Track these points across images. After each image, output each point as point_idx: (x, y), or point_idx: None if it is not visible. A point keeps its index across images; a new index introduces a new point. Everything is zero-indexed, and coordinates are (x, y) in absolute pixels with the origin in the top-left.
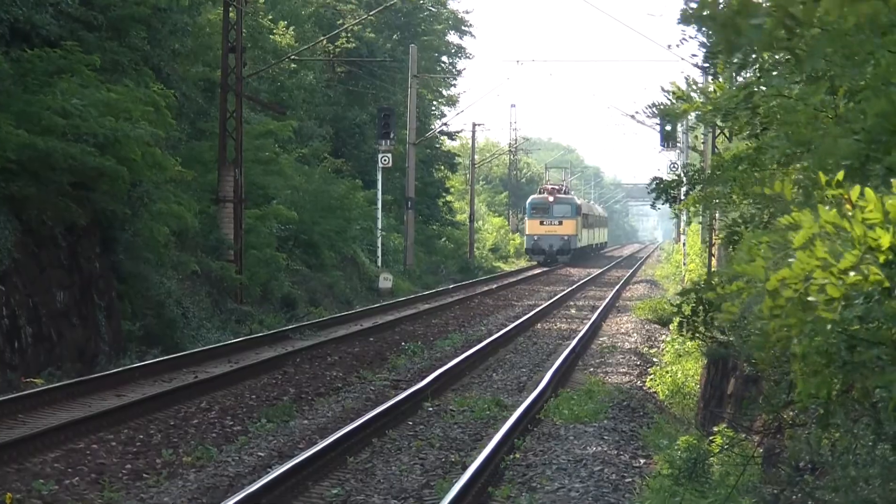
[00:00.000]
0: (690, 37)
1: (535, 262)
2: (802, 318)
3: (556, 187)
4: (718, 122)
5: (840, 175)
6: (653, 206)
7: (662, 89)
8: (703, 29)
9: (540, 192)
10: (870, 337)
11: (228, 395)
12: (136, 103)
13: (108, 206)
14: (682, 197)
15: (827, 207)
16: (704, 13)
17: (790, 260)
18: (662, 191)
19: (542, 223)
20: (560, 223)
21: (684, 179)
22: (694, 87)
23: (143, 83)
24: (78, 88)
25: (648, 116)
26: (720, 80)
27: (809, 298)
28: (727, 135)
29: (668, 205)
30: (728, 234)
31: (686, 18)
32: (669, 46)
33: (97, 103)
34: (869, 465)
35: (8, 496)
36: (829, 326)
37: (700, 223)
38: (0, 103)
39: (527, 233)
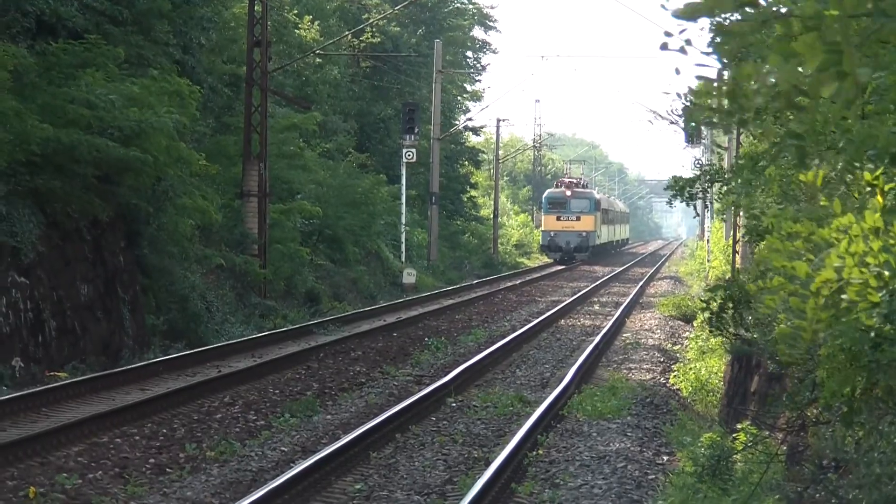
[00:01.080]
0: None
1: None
2: (836, 317)
3: (574, 181)
4: (739, 121)
5: (879, 171)
6: (669, 203)
7: (678, 95)
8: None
9: (557, 186)
10: (894, 336)
11: (252, 390)
12: (160, 95)
13: (132, 199)
14: (701, 195)
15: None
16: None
17: (831, 254)
18: (681, 189)
19: (558, 218)
20: (578, 219)
21: (701, 177)
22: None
23: (167, 77)
24: (102, 81)
25: (672, 121)
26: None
27: (843, 297)
28: (752, 133)
29: (685, 203)
30: (752, 229)
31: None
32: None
33: (121, 95)
34: (894, 463)
35: (31, 490)
36: (854, 323)
37: (724, 220)
38: (25, 96)
39: (542, 228)
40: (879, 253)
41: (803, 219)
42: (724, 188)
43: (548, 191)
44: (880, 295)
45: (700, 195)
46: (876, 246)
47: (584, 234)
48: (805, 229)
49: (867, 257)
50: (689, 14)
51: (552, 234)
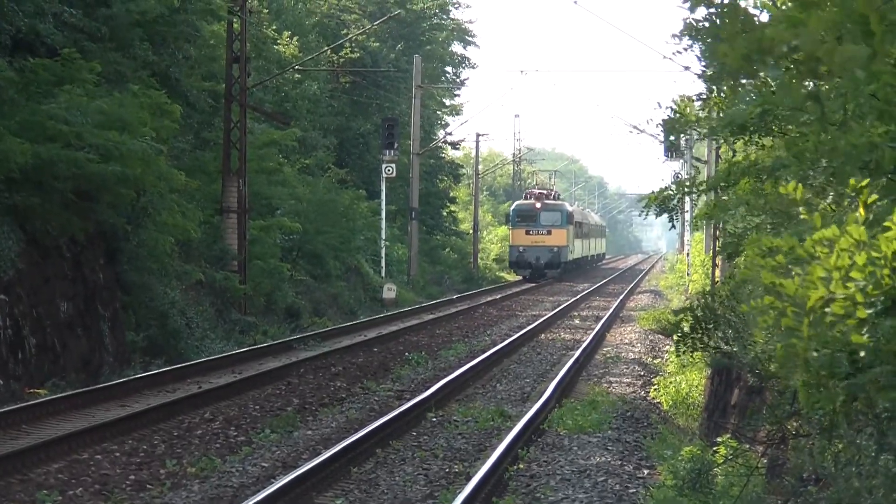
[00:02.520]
0: (685, 48)
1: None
2: (822, 333)
3: (545, 192)
4: (727, 136)
5: (864, 182)
6: (641, 214)
7: (659, 104)
8: (700, 43)
9: (526, 198)
10: (873, 356)
11: (232, 406)
12: (138, 110)
13: (112, 216)
14: (677, 207)
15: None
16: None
17: (818, 273)
18: (653, 201)
19: (528, 232)
20: (549, 233)
21: (674, 189)
22: (691, 104)
23: (146, 92)
24: (82, 98)
25: (655, 128)
26: (720, 94)
27: (827, 310)
28: (731, 146)
29: (658, 216)
30: (729, 244)
31: (702, 58)
32: (674, 55)
33: (95, 113)
34: (872, 476)
35: None
36: (840, 339)
37: (703, 233)
38: (3, 113)
39: (511, 243)
40: (865, 267)
41: (783, 233)
42: (701, 199)
43: (515, 203)
44: (868, 312)
45: (676, 208)
46: (861, 260)
47: (555, 249)
48: (786, 244)
49: (852, 271)
50: None
51: (521, 249)
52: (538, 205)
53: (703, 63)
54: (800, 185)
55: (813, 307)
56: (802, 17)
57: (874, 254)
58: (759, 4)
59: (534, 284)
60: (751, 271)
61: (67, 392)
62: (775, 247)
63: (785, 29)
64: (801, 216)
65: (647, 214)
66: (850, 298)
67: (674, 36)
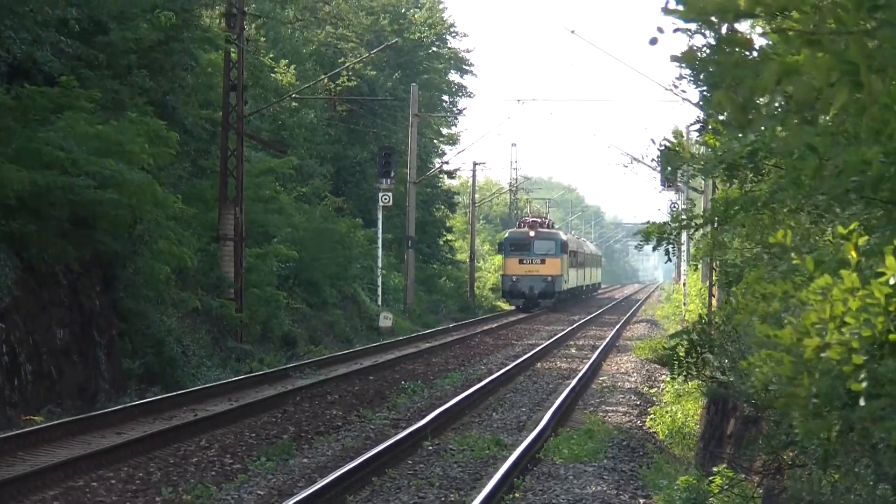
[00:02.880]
0: (683, 77)
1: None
2: (820, 381)
3: (538, 220)
4: (719, 175)
5: (853, 225)
6: (637, 248)
7: (652, 141)
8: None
9: (519, 226)
10: (871, 390)
11: (228, 434)
12: (135, 136)
13: (108, 244)
14: (674, 240)
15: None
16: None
17: (810, 314)
18: (650, 234)
19: (521, 262)
20: (542, 262)
21: (671, 224)
22: (683, 139)
23: (144, 119)
24: (82, 124)
25: (651, 161)
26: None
27: (823, 356)
28: (723, 183)
29: (654, 249)
30: (725, 275)
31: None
32: (673, 87)
33: (92, 138)
34: None
35: None
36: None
37: (697, 267)
38: (0, 139)
39: (504, 273)
40: (858, 313)
41: (777, 279)
42: (698, 233)
43: (508, 231)
44: (864, 359)
45: (672, 240)
46: (854, 305)
47: (549, 278)
48: (779, 289)
49: (846, 317)
50: (693, 13)
51: (514, 278)
52: (532, 233)
53: (700, 92)
54: (789, 231)
55: (810, 358)
56: (796, 63)
57: (868, 301)
58: (761, 33)
59: (529, 314)
60: (746, 314)
61: (63, 419)
62: (770, 293)
63: (777, 72)
64: (794, 262)
65: (642, 248)
66: (845, 344)
67: (673, 59)
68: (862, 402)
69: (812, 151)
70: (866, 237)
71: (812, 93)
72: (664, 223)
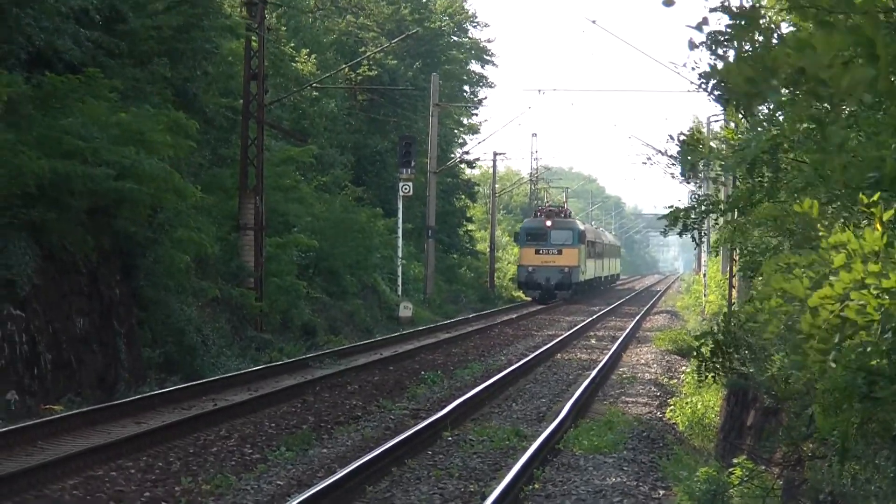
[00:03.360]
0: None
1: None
2: (838, 343)
3: (555, 210)
4: (741, 171)
5: (877, 196)
6: (663, 233)
7: (671, 137)
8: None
9: (535, 216)
10: (891, 373)
11: (248, 423)
12: (155, 125)
13: (128, 232)
14: (697, 225)
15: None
16: (721, 81)
17: (832, 278)
18: (675, 219)
19: (537, 252)
20: (559, 252)
21: (697, 207)
22: (702, 133)
23: (164, 107)
24: (103, 111)
25: (669, 164)
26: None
27: (842, 314)
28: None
29: (680, 235)
30: (747, 264)
31: (704, 78)
32: (697, 86)
33: (113, 127)
34: (890, 497)
35: None
36: (855, 356)
37: (719, 253)
38: (20, 128)
39: (519, 263)
40: (878, 276)
41: (801, 251)
42: (720, 220)
43: (525, 220)
44: (886, 336)
45: (696, 226)
46: (874, 269)
47: (566, 269)
48: (804, 260)
49: (867, 278)
50: None
51: (530, 269)
52: (549, 223)
53: (708, 82)
54: (815, 202)
55: (821, 305)
56: (810, 40)
57: (889, 268)
58: (783, 18)
59: (549, 305)
60: (767, 287)
61: (83, 408)
62: (793, 262)
63: (792, 51)
64: (820, 233)
65: (667, 233)
66: (863, 305)
67: (691, 46)
68: (885, 362)
69: (819, 126)
70: (892, 211)
71: (824, 69)
72: (689, 207)
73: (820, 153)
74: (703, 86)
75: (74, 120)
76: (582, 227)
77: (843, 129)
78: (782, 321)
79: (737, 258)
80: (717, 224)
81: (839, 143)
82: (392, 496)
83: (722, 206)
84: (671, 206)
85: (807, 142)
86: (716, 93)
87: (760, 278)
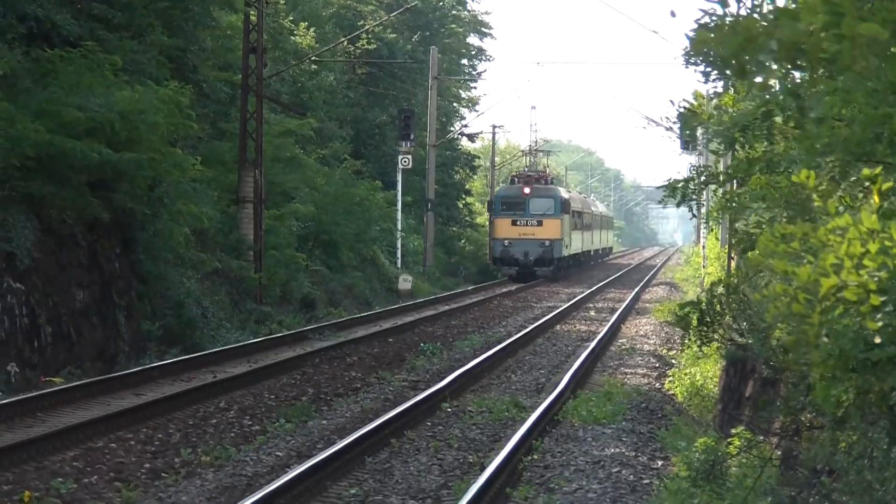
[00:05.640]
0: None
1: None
2: (836, 319)
3: (535, 175)
4: (736, 136)
5: (878, 170)
6: (661, 203)
7: (672, 102)
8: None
9: (512, 182)
10: (886, 338)
11: (247, 395)
12: (155, 103)
13: (127, 205)
14: (696, 196)
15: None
16: (708, 52)
17: (829, 255)
18: (674, 190)
19: (514, 223)
20: (539, 223)
21: (696, 179)
22: (703, 101)
23: (162, 81)
24: (99, 85)
25: (667, 128)
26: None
27: (840, 295)
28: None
29: (678, 205)
30: (742, 240)
31: (691, 52)
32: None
33: (113, 104)
34: (884, 469)
35: (26, 494)
36: (852, 326)
37: (719, 223)
38: (19, 103)
39: (493, 236)
40: (876, 256)
41: (798, 220)
42: (720, 191)
43: (500, 187)
44: (882, 299)
45: (695, 197)
46: (873, 248)
47: (546, 242)
48: (800, 230)
49: (864, 260)
50: None
51: (506, 243)
52: (527, 190)
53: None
54: (812, 172)
55: (826, 295)
56: (795, 11)
57: (887, 243)
58: None
59: (549, 277)
60: (763, 257)
61: (83, 380)
62: (789, 234)
63: (776, 23)
64: (815, 203)
65: (666, 203)
66: (862, 286)
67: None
68: (878, 340)
69: (793, 98)
70: (891, 182)
71: (801, 35)
72: (688, 178)
73: (801, 129)
74: (690, 57)
75: (75, 96)
76: (566, 194)
77: (829, 98)
78: (784, 304)
79: (734, 235)
80: (715, 195)
81: (819, 117)
82: (391, 467)
83: (721, 177)
84: (670, 179)
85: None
86: (700, 65)
87: (758, 247)
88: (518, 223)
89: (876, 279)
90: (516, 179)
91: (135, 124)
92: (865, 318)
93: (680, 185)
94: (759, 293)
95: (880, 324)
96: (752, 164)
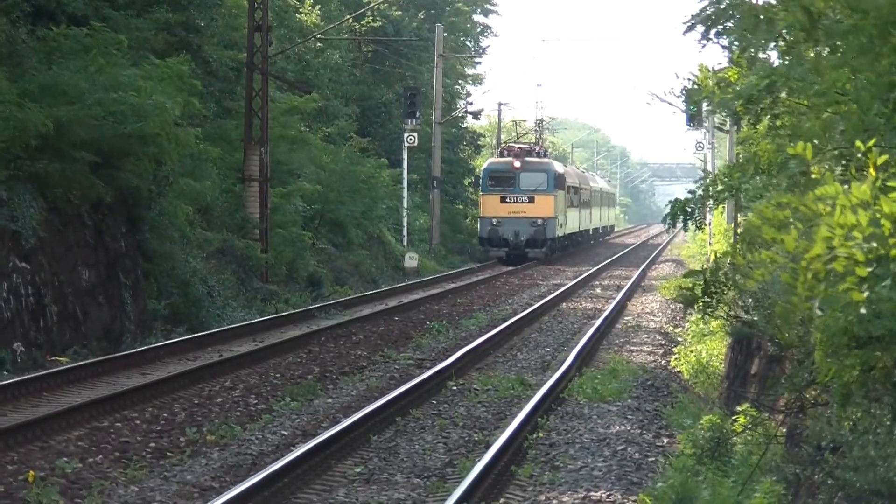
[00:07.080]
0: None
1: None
2: (825, 289)
3: (526, 147)
4: (739, 108)
5: (871, 142)
6: (663, 221)
7: (677, 75)
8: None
9: (501, 155)
10: (871, 312)
11: (253, 374)
12: (161, 81)
13: (133, 183)
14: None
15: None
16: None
17: (822, 227)
18: (679, 209)
19: (503, 200)
20: (531, 200)
21: (700, 193)
22: (708, 74)
23: (167, 64)
24: (106, 66)
25: (676, 96)
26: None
27: (830, 267)
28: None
29: (685, 228)
30: (747, 231)
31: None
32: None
33: (119, 86)
34: (887, 445)
35: (31, 474)
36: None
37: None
38: (26, 81)
39: (481, 214)
40: (867, 227)
41: (794, 189)
42: (720, 186)
43: (488, 161)
44: (868, 270)
45: (698, 213)
46: (864, 219)
47: (538, 221)
48: (795, 200)
49: (854, 231)
50: None
51: (494, 221)
52: (517, 164)
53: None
54: (808, 145)
55: (809, 263)
56: None
57: (878, 215)
58: None
59: (555, 255)
60: (758, 225)
61: (88, 360)
62: (785, 202)
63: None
64: (814, 175)
65: (670, 225)
66: (851, 257)
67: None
68: (863, 311)
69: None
70: (885, 157)
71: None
72: (686, 200)
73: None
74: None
75: (82, 72)
76: (561, 169)
77: (837, 71)
78: (770, 270)
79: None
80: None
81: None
82: (396, 445)
83: (723, 192)
84: (676, 163)
85: (804, 85)
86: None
87: (752, 214)
88: (507, 200)
89: (865, 249)
90: (506, 152)
91: (141, 105)
92: (853, 291)
93: (681, 206)
94: (746, 260)
95: (866, 294)
96: (754, 164)
